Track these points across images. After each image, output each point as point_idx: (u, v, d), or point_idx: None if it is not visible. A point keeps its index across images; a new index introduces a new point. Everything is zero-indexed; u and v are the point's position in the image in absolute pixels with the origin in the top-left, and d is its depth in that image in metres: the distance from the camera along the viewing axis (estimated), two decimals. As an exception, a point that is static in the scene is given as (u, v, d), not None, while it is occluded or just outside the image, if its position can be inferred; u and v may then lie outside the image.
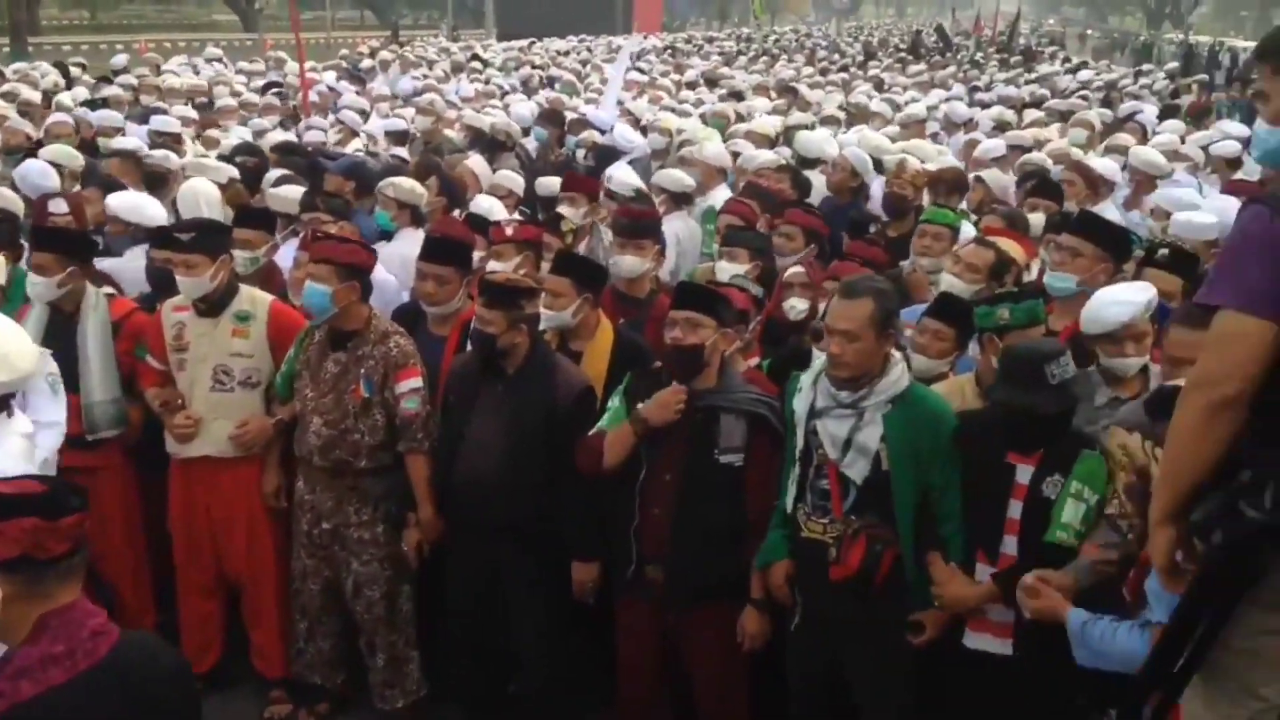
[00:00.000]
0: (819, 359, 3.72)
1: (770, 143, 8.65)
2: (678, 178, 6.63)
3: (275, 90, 12.04)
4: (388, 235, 5.95)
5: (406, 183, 6.04)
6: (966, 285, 4.54)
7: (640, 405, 3.74)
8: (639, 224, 5.04)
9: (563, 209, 6.03)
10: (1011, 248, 4.87)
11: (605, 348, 4.42)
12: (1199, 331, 3.12)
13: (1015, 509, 3.43)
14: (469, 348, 4.25)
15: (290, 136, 9.07)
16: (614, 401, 3.92)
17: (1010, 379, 3.46)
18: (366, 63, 17.85)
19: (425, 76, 15.21)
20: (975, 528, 3.49)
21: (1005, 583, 3.39)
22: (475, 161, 7.33)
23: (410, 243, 5.51)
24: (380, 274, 4.99)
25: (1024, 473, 3.43)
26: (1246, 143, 8.78)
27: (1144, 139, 9.45)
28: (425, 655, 4.49)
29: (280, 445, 4.53)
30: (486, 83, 14.45)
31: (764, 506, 3.75)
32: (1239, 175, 7.96)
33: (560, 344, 4.43)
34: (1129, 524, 3.25)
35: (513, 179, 7.01)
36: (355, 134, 9.74)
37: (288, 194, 5.96)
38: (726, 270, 4.86)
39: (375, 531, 4.34)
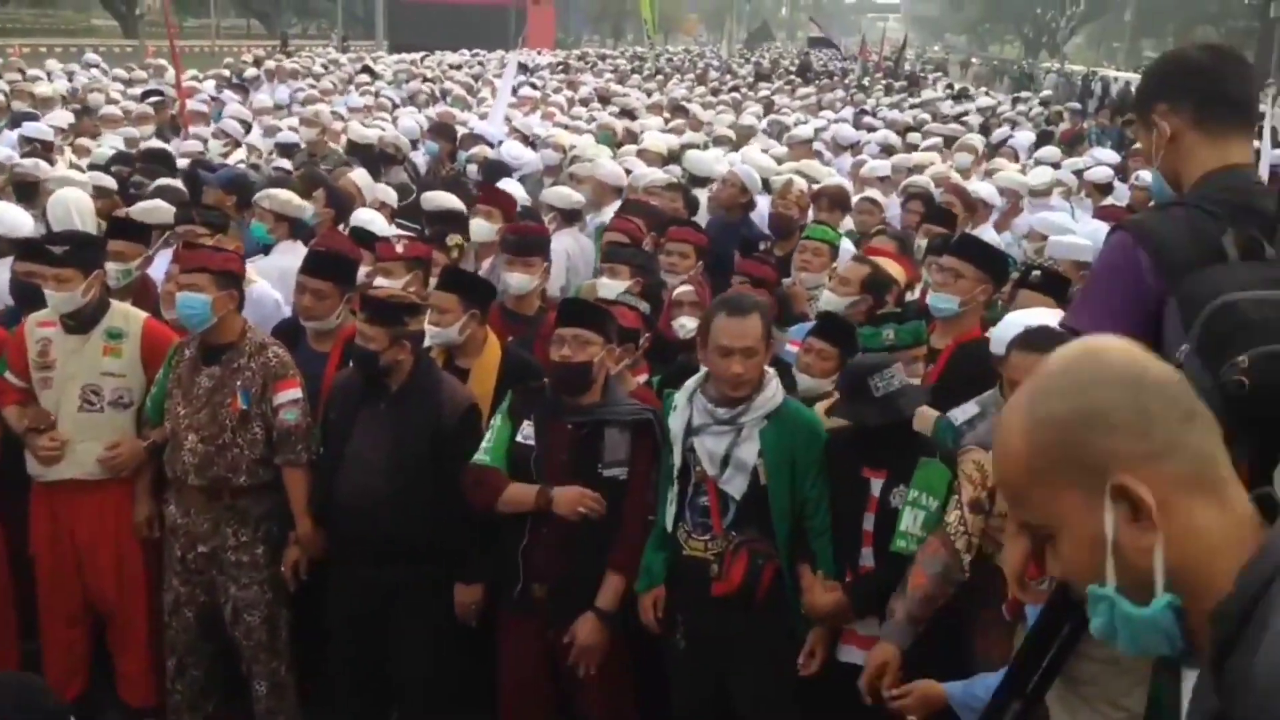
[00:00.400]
0: (693, 378, 3.72)
1: (663, 161, 8.71)
2: (566, 194, 6.63)
3: (154, 99, 11.69)
4: (267, 249, 5.80)
5: (283, 194, 5.89)
6: (840, 299, 4.65)
7: (556, 490, 3.67)
8: (526, 241, 5.01)
9: (477, 220, 5.95)
10: (891, 267, 4.98)
11: (493, 365, 4.38)
12: (1037, 355, 3.23)
13: (869, 521, 3.51)
14: (351, 364, 4.16)
15: (169, 146, 8.79)
16: (497, 420, 3.87)
17: (842, 394, 3.58)
18: (250, 72, 17.47)
19: (312, 86, 14.96)
20: (839, 541, 3.55)
21: (853, 592, 3.46)
22: (358, 175, 7.20)
23: (289, 256, 5.38)
24: (261, 288, 4.86)
25: (876, 485, 3.52)
26: (1117, 169, 9.15)
27: (1018, 163, 9.78)
28: (302, 680, 4.37)
29: (151, 470, 4.36)
30: (376, 95, 14.27)
31: (639, 510, 3.73)
32: (1109, 200, 8.26)
33: (447, 361, 4.36)
34: (967, 541, 3.30)
35: (387, 192, 6.93)
36: (240, 144, 9.51)
37: (153, 207, 5.76)
38: (609, 287, 4.87)
39: (255, 554, 4.20)
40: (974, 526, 3.30)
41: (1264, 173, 9.90)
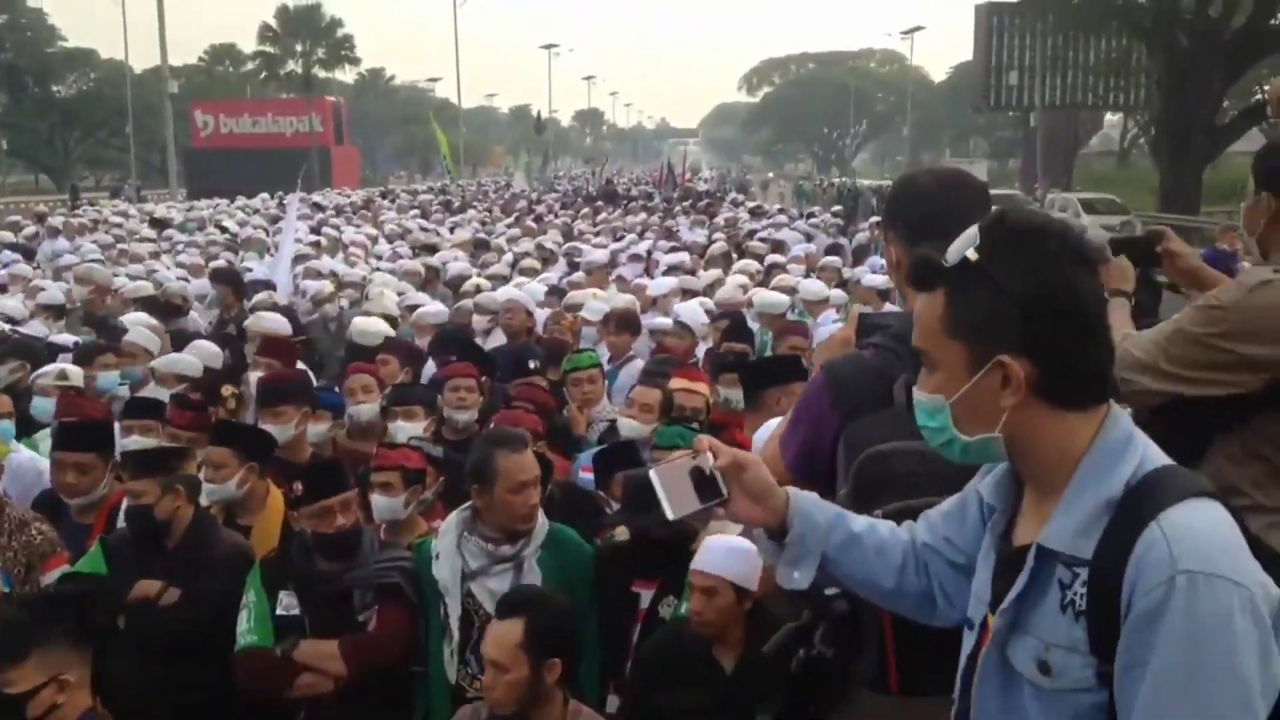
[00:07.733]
0: (448, 523, 3.63)
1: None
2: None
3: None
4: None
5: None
6: (643, 426, 4.69)
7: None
8: (271, 391, 4.87)
9: (254, 374, 5.77)
10: (694, 386, 5.00)
11: (276, 519, 4.22)
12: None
13: (636, 633, 3.48)
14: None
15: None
16: (251, 595, 3.59)
17: (627, 504, 3.58)
18: (29, 229, 16.65)
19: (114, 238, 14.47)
20: (608, 655, 3.49)
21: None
22: (135, 331, 6.79)
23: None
24: (21, 457, 4.62)
25: (646, 597, 3.50)
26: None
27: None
28: None
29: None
30: (165, 240, 13.87)
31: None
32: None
33: (228, 519, 4.17)
34: None
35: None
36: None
37: None
38: (403, 429, 4.81)
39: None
40: None
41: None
